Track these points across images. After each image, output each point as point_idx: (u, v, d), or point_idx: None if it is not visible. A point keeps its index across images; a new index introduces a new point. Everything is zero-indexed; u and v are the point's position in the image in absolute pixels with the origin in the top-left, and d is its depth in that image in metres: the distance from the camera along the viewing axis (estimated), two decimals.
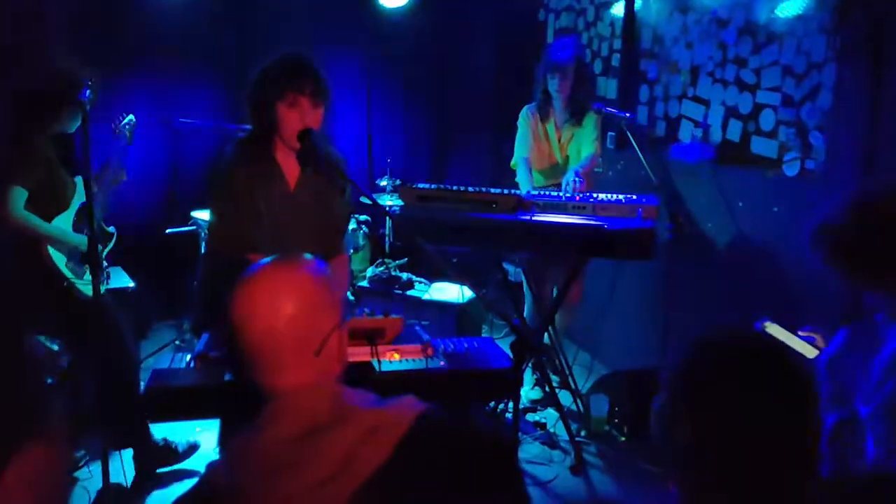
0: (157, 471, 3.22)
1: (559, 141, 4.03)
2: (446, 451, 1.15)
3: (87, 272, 3.08)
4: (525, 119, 4.07)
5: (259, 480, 1.13)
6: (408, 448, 1.12)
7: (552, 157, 4.06)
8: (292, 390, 1.20)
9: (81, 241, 3.03)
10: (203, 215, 4.26)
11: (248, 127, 2.64)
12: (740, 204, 3.64)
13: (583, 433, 3.74)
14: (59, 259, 3.03)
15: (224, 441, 2.53)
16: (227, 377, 2.00)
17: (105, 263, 3.33)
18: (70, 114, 3.01)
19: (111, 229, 3.42)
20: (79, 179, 3.11)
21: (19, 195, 2.89)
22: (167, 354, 2.24)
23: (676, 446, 1.14)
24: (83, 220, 3.11)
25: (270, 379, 1.21)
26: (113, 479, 2.76)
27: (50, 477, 0.69)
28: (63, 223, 3.05)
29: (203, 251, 4.21)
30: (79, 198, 3.10)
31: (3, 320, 0.71)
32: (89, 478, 3.13)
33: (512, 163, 4.07)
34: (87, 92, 2.73)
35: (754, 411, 1.09)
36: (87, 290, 3.07)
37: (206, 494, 1.17)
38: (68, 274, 3.05)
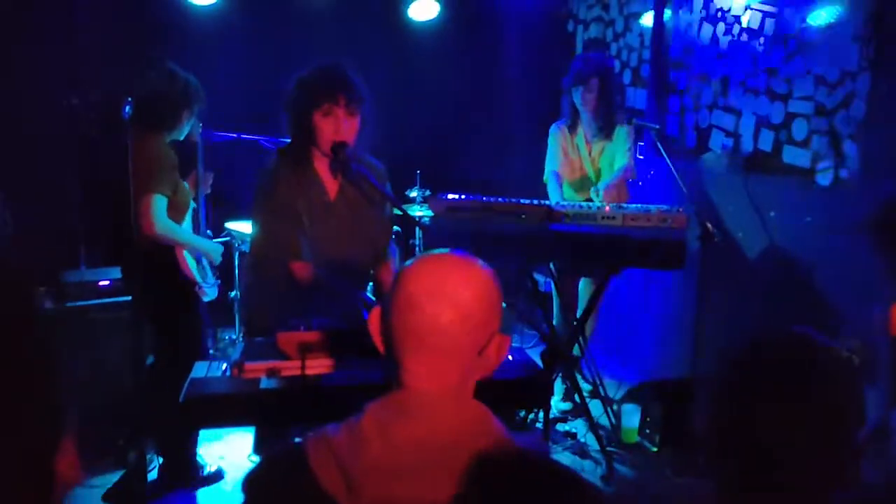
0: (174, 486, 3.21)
1: (590, 154, 4.02)
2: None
3: (210, 275, 3.21)
4: (554, 134, 4.07)
5: (386, 478, 1.06)
6: (533, 495, 1.07)
7: (583, 171, 4.06)
8: (436, 389, 1.12)
9: (209, 246, 3.16)
10: (236, 226, 4.32)
11: (282, 139, 2.68)
12: (772, 213, 3.61)
13: (614, 443, 3.72)
14: (191, 262, 3.11)
15: (259, 448, 2.56)
16: (262, 385, 2.04)
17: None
18: (187, 120, 3.10)
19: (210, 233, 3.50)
20: (185, 184, 3.19)
21: (161, 203, 2.90)
22: (202, 362, 2.28)
23: (718, 444, 1.15)
24: (196, 225, 3.24)
25: (414, 371, 1.13)
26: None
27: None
28: (187, 228, 3.14)
29: (240, 260, 4.27)
30: (191, 204, 3.19)
31: (22, 315, 0.73)
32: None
33: (544, 178, 4.09)
34: (127, 108, 2.81)
35: (798, 413, 1.10)
36: (210, 291, 3.20)
37: (305, 472, 1.09)
38: (198, 278, 3.13)
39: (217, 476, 3.30)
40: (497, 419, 1.15)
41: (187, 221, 3.15)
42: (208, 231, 3.41)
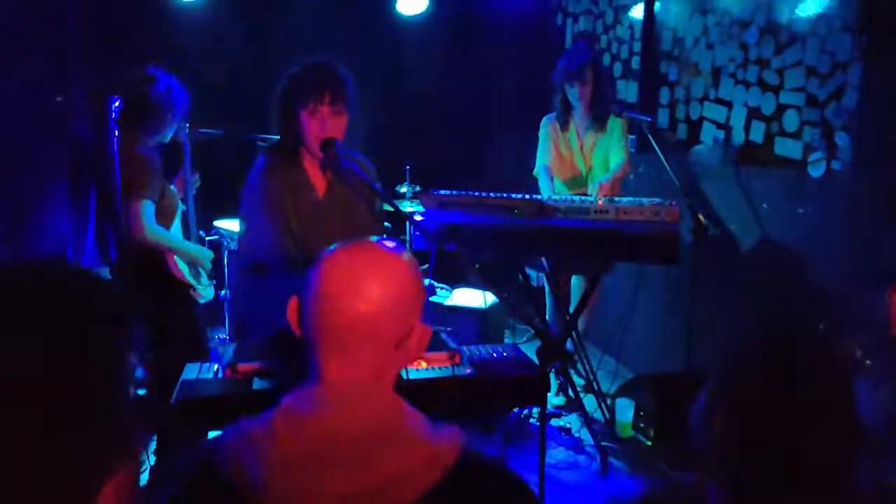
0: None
1: (581, 149, 4.00)
2: (481, 499, 1.10)
3: (204, 277, 3.19)
4: (545, 129, 4.05)
5: (294, 470, 1.05)
6: (447, 487, 1.06)
7: (575, 167, 4.04)
8: (352, 381, 1.11)
9: (197, 251, 3.12)
10: (226, 224, 4.29)
11: (270, 136, 2.65)
12: (764, 206, 3.61)
13: (608, 438, 3.72)
14: (183, 266, 3.08)
15: None
16: (255, 386, 2.02)
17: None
18: (171, 123, 3.07)
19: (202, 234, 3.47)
20: (174, 187, 3.17)
21: (149, 208, 2.89)
22: (194, 363, 2.25)
23: (714, 445, 1.15)
24: (186, 228, 3.21)
25: (329, 363, 1.11)
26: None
27: (133, 489, 0.70)
28: (176, 232, 3.12)
29: (230, 260, 4.23)
30: (179, 206, 3.17)
31: (107, 344, 0.71)
32: None
33: (534, 172, 4.07)
34: (115, 105, 2.79)
35: (792, 413, 1.10)
36: (206, 292, 3.18)
37: (222, 470, 1.07)
38: (191, 280, 3.11)
39: None
40: (414, 411, 1.14)
41: (176, 224, 3.13)
42: (200, 232, 3.38)
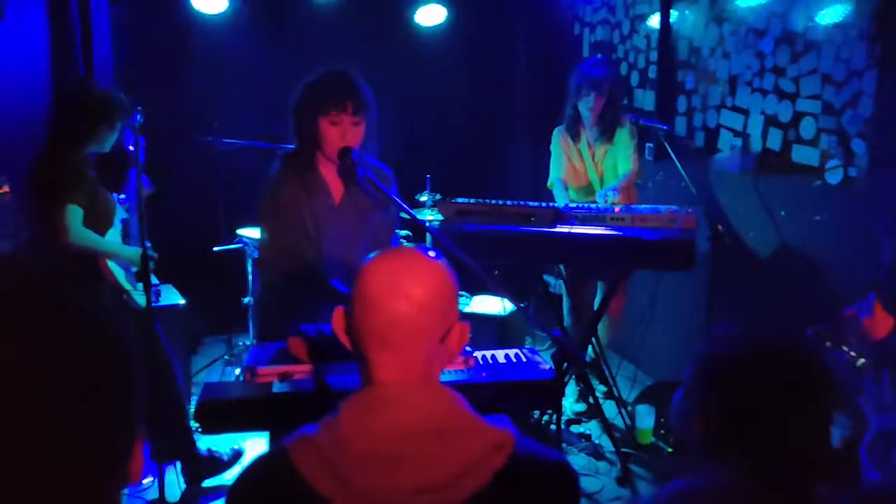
0: (204, 483, 3.27)
1: (593, 159, 4.04)
2: (538, 482, 1.17)
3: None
4: (557, 141, 4.09)
5: (372, 468, 1.11)
6: (511, 470, 1.13)
7: (587, 176, 4.08)
8: (405, 379, 1.18)
9: (135, 253, 3.12)
10: (249, 232, 4.36)
11: (290, 146, 2.71)
12: (782, 213, 3.61)
13: (629, 445, 3.72)
14: (118, 272, 3.13)
15: None
16: (275, 389, 2.06)
17: (156, 280, 3.37)
18: (107, 133, 3.12)
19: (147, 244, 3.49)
20: (115, 196, 3.22)
21: (76, 213, 2.95)
22: (217, 368, 2.30)
23: (691, 438, 1.19)
24: (127, 236, 3.24)
25: (381, 364, 1.18)
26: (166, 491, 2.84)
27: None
28: (112, 238, 3.16)
29: (253, 267, 4.30)
30: (119, 214, 3.21)
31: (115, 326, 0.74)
32: (146, 488, 3.22)
33: (549, 184, 4.10)
34: (138, 116, 2.86)
35: (764, 406, 1.13)
36: (141, 300, 3.16)
37: (292, 475, 1.12)
38: (127, 286, 3.15)
39: (237, 455, 3.39)
40: (464, 402, 1.20)
41: (115, 233, 3.15)
42: (147, 242, 3.37)
